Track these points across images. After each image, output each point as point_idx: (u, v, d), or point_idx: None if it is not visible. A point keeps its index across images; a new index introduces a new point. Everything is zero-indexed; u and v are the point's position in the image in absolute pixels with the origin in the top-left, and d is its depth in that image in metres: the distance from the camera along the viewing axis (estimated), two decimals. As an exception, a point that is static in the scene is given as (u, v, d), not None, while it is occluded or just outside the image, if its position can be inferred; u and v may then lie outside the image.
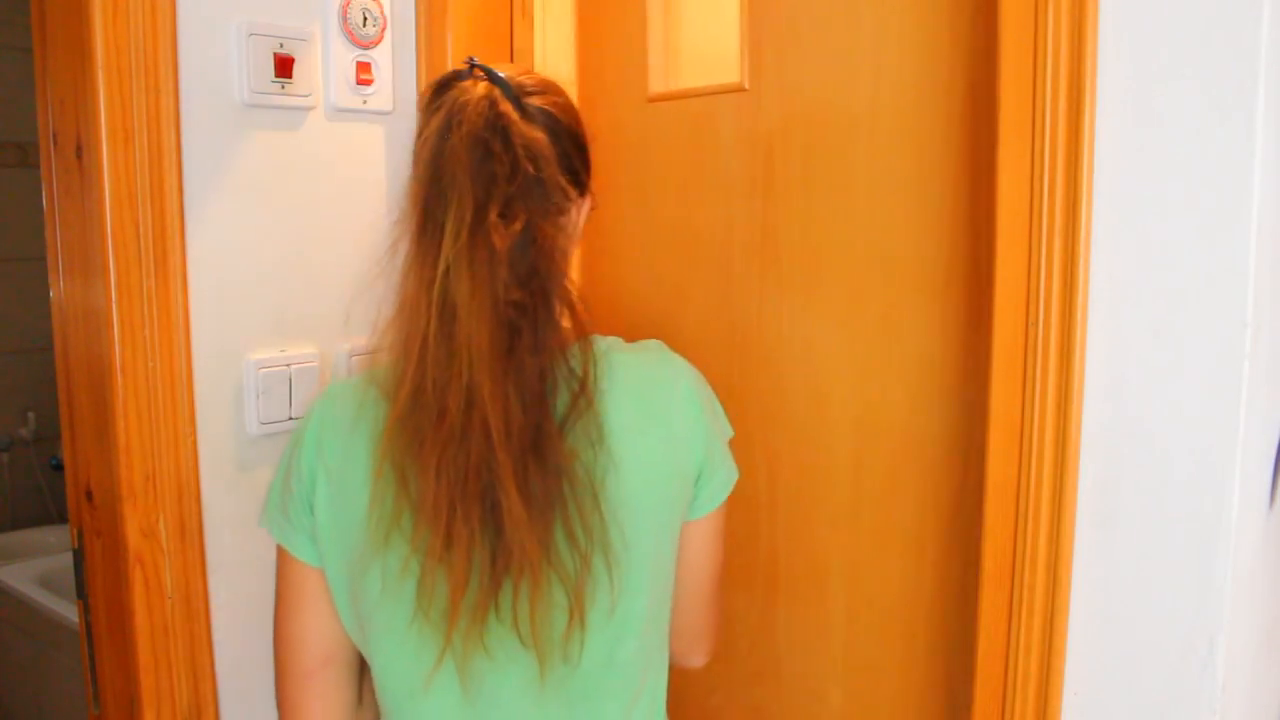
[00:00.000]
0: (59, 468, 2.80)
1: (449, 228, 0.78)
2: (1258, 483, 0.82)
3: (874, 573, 1.12)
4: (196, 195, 1.07)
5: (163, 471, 1.05)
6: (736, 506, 1.22)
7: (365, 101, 1.20)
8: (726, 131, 1.21)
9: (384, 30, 1.21)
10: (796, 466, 1.18)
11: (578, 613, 0.82)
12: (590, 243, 1.39)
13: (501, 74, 0.83)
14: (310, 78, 1.15)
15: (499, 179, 0.79)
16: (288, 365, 1.15)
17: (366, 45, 1.20)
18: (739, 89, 1.19)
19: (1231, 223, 0.77)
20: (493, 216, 0.78)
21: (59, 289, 1.12)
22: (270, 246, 1.14)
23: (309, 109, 1.16)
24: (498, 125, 0.80)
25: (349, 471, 0.85)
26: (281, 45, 1.12)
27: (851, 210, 1.10)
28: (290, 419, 1.15)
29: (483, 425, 0.77)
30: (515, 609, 0.80)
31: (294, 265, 1.16)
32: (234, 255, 1.11)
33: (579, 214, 0.92)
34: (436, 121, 0.81)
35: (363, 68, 1.19)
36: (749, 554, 1.24)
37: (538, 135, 0.82)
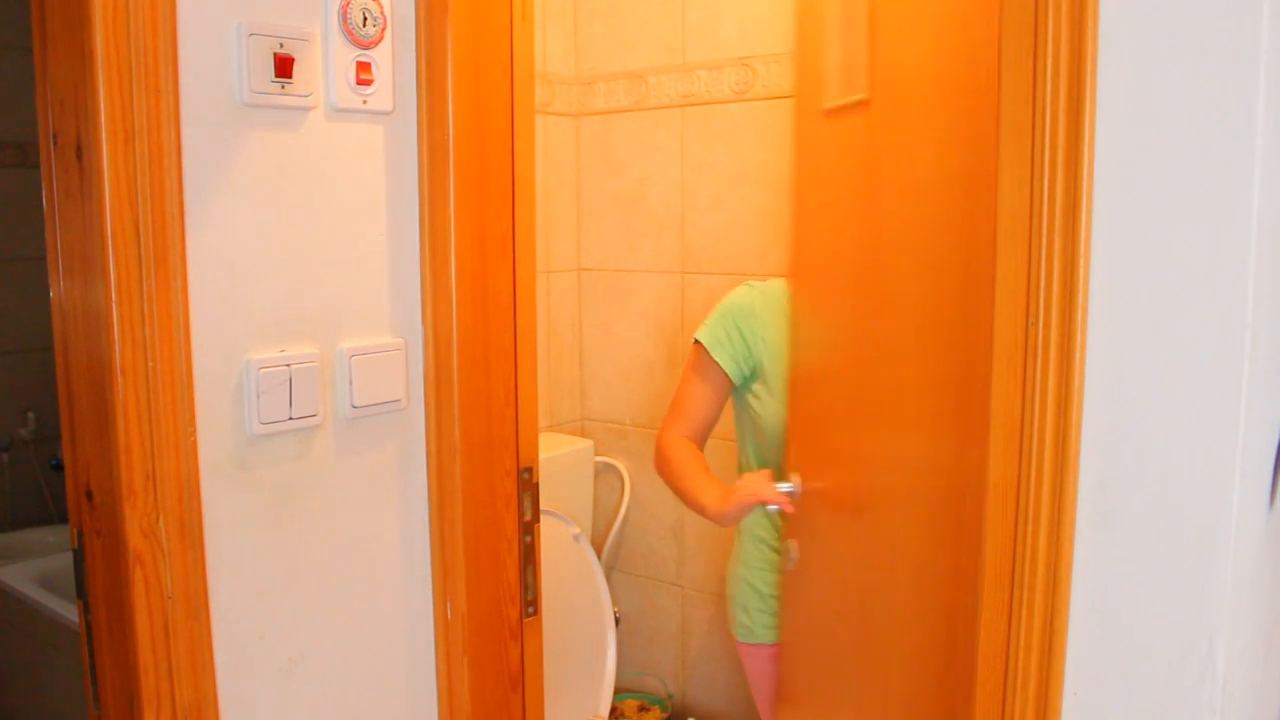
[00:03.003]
0: (59, 468, 2.80)
1: None
2: (1258, 483, 0.82)
3: (910, 558, 1.18)
4: (196, 195, 1.07)
5: (163, 471, 1.05)
6: (847, 488, 1.38)
7: (365, 101, 1.20)
8: (858, 141, 1.31)
9: (384, 30, 1.21)
10: (882, 454, 1.27)
11: None
12: (795, 243, 1.62)
13: None
14: (310, 78, 1.15)
15: None
16: (288, 365, 1.15)
17: (366, 45, 1.20)
18: (865, 102, 1.28)
19: (1231, 223, 0.77)
20: None
21: (59, 289, 1.12)
22: (270, 246, 1.14)
23: (309, 109, 1.16)
24: None
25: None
26: (281, 45, 1.12)
27: (905, 208, 1.17)
28: (290, 419, 1.15)
29: None
30: None
31: (294, 265, 1.16)
32: (234, 255, 1.11)
33: None
34: None
35: (363, 68, 1.19)
36: (855, 534, 1.35)
37: None
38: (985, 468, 0.91)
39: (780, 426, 1.77)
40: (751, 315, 1.81)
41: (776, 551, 1.83)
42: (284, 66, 1.12)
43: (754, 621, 1.88)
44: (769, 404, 1.80)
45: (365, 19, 1.19)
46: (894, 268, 1.22)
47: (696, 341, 1.83)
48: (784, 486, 1.60)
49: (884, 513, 1.25)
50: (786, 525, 1.64)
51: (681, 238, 2.56)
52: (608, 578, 2.47)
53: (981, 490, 0.91)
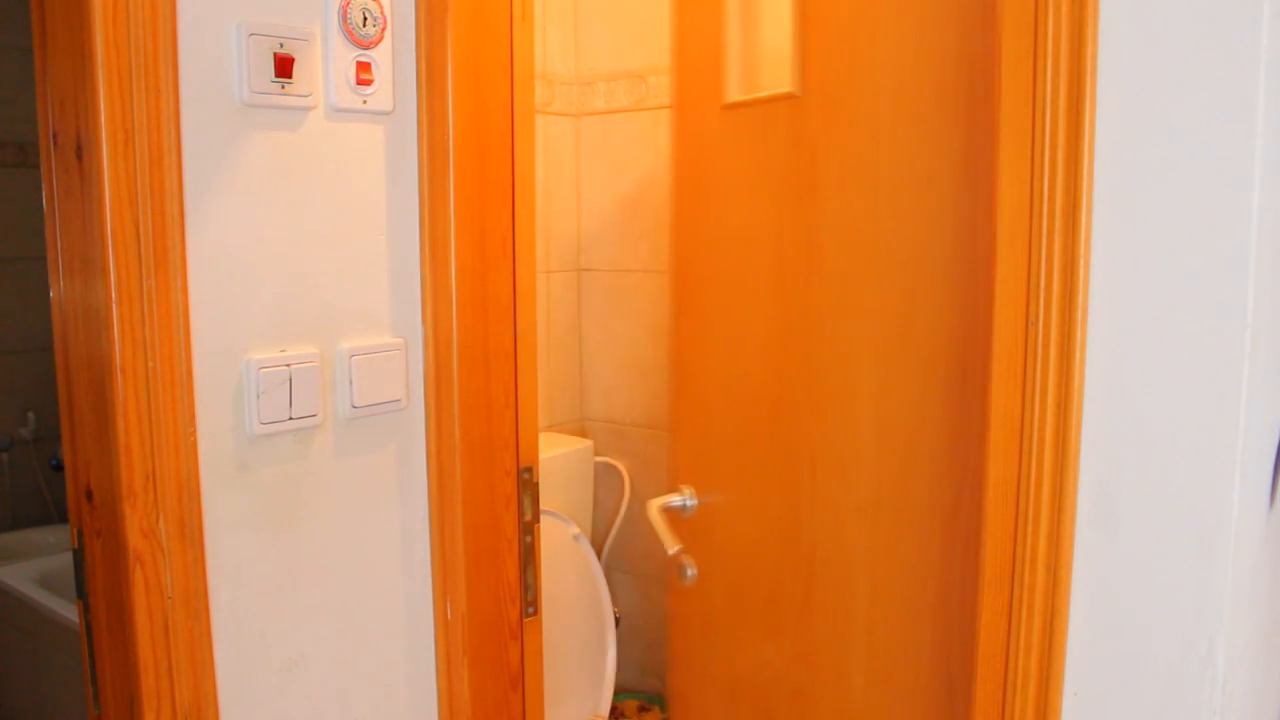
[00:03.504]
0: (59, 468, 2.80)
1: None
2: (1258, 483, 0.82)
3: (890, 564, 1.14)
4: (196, 195, 1.07)
5: (163, 471, 1.05)
6: (785, 497, 1.31)
7: (365, 101, 1.20)
8: (781, 137, 1.27)
9: (384, 30, 1.21)
10: (833, 460, 1.23)
11: None
12: (679, 239, 1.52)
13: None
14: (310, 78, 1.15)
15: None
16: (288, 365, 1.15)
17: (366, 45, 1.20)
18: (791, 96, 1.24)
19: (1231, 223, 0.77)
20: None
21: (59, 289, 1.12)
22: (270, 246, 1.14)
23: (309, 109, 1.16)
24: None
25: None
26: (281, 45, 1.12)
27: (875, 210, 1.14)
28: (290, 419, 1.15)
29: None
30: None
31: (294, 265, 1.16)
32: (234, 255, 1.11)
33: None
34: None
35: (363, 68, 1.19)
36: (794, 541, 1.29)
37: None
38: (985, 468, 0.91)
39: None
40: None
41: None
42: (284, 66, 1.12)
43: None
44: None
45: (365, 19, 1.19)
46: (842, 266, 1.20)
47: None
48: (674, 500, 1.54)
49: (851, 524, 1.22)
50: (677, 539, 1.54)
51: (681, 238, 2.56)
52: (608, 578, 2.47)
53: (981, 490, 0.91)
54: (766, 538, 1.36)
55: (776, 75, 1.30)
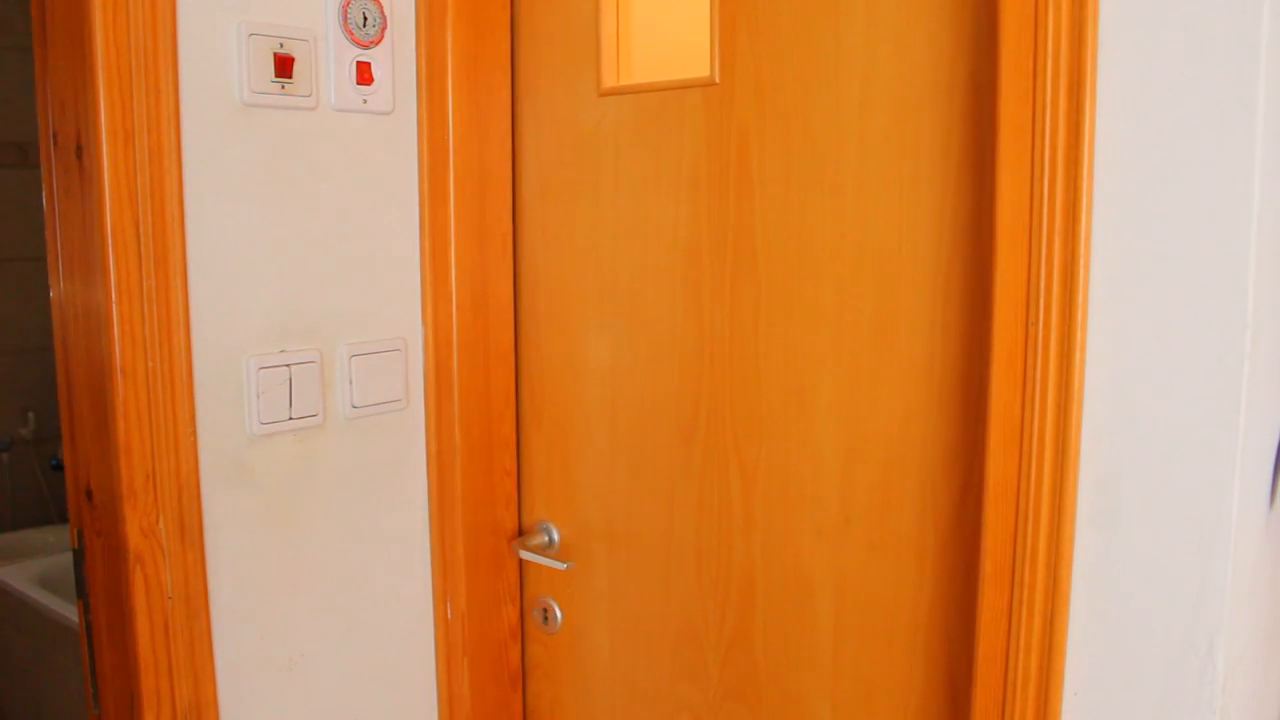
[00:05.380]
0: (59, 468, 2.80)
1: None
2: (1258, 483, 0.82)
3: (867, 581, 1.10)
4: (196, 195, 1.07)
5: (163, 471, 1.05)
6: (706, 522, 1.21)
7: (365, 101, 1.20)
8: (692, 127, 1.18)
9: (384, 30, 1.21)
10: (776, 479, 1.15)
11: None
12: (534, 243, 1.35)
13: None
14: (310, 78, 1.15)
15: None
16: (288, 365, 1.15)
17: (366, 45, 1.20)
18: (708, 83, 1.15)
19: (1231, 222, 0.77)
20: None
21: (59, 289, 1.12)
22: (270, 246, 1.14)
23: (309, 109, 1.16)
24: None
25: None
26: (281, 45, 1.12)
27: (840, 209, 1.08)
28: (290, 419, 1.15)
29: None
30: None
31: (294, 265, 1.16)
32: (234, 255, 1.11)
33: None
34: None
35: (363, 68, 1.19)
36: (720, 570, 1.21)
37: None
38: (985, 468, 0.91)
39: None
40: None
41: None
42: (284, 66, 1.12)
43: None
44: None
45: (365, 19, 1.19)
46: (785, 269, 1.11)
47: None
48: (534, 539, 1.35)
49: (808, 546, 1.13)
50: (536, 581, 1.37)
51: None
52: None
53: (981, 490, 0.91)
54: (676, 570, 1.25)
55: (681, 59, 1.19)
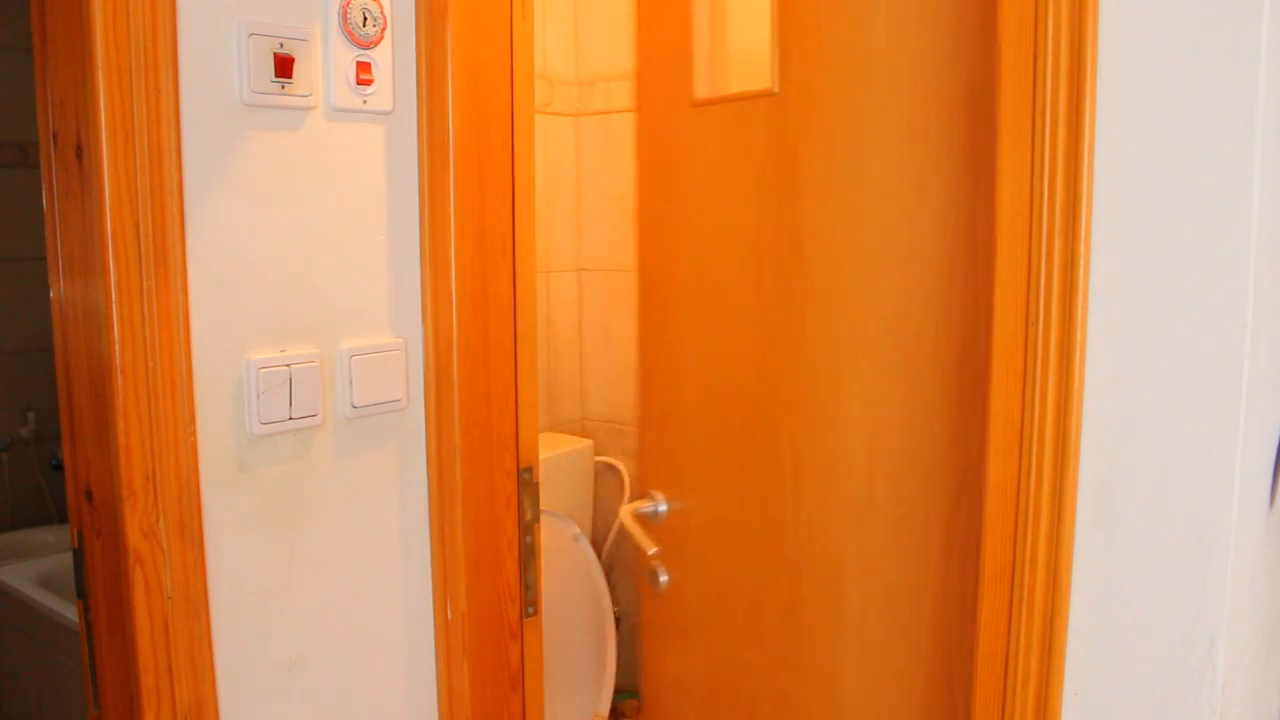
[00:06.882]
0: (59, 468, 2.80)
1: None
2: (1258, 483, 0.82)
3: (885, 566, 1.13)
4: (196, 195, 1.07)
5: (163, 471, 1.05)
6: (770, 500, 1.29)
7: (365, 101, 1.20)
8: (758, 133, 1.25)
9: (384, 30, 1.21)
10: (817, 460, 1.21)
11: None
12: (646, 238, 1.49)
13: None
14: (310, 78, 1.15)
15: None
16: (288, 365, 1.15)
17: (366, 45, 1.20)
18: (770, 93, 1.22)
19: (1231, 223, 0.77)
20: None
21: (59, 289, 1.12)
22: (270, 246, 1.14)
23: (309, 109, 1.16)
24: None
25: None
26: (281, 45, 1.12)
27: (863, 212, 1.13)
28: (290, 419, 1.15)
29: None
30: None
31: (294, 265, 1.16)
32: (234, 255, 1.11)
33: None
34: None
35: (363, 68, 1.19)
36: (776, 545, 1.28)
37: None
38: (985, 468, 0.91)
39: None
40: None
41: None
42: (284, 66, 1.12)
43: None
44: None
45: (365, 19, 1.19)
46: (828, 266, 1.18)
47: None
48: (644, 506, 1.51)
49: (838, 528, 1.20)
50: (650, 544, 1.53)
51: (681, 238, 2.56)
52: (608, 578, 2.47)
53: (981, 490, 0.91)
54: (746, 542, 1.35)
55: (753, 72, 1.27)
